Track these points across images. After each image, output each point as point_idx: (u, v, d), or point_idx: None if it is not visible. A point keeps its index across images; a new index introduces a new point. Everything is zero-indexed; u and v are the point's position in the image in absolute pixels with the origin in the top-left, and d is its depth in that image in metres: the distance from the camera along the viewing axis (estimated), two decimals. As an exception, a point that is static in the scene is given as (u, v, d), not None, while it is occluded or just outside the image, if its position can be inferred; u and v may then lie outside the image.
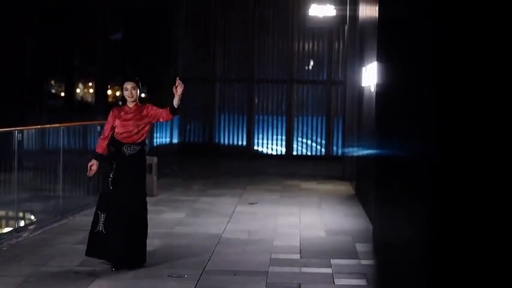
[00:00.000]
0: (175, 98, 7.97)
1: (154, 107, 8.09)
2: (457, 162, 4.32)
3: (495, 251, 3.77)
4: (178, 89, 7.90)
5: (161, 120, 8.14)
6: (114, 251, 7.80)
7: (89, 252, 7.97)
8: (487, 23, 3.98)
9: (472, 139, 4.11)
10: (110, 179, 7.87)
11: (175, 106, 7.99)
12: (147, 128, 8.06)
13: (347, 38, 16.77)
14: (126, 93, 7.99)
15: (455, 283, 4.35)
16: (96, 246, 7.90)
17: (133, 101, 8.02)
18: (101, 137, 8.12)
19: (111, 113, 8.11)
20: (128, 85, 7.97)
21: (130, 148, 7.94)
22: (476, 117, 4.06)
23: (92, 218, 8.03)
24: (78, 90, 30.39)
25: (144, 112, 8.02)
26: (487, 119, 3.95)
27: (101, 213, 7.90)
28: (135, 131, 7.96)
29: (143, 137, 8.04)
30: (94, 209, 8.08)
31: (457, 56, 4.40)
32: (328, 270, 8.06)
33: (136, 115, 7.99)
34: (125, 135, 7.94)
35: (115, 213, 7.81)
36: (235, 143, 22.65)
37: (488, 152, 3.93)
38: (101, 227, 7.87)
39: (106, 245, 7.83)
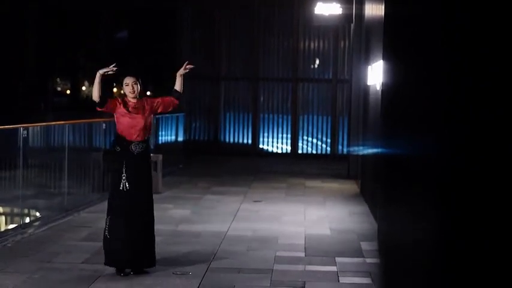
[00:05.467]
0: (178, 80, 7.98)
1: (155, 98, 7.95)
2: (466, 161, 4.30)
3: (507, 250, 3.75)
4: (182, 71, 7.95)
5: (172, 108, 8.01)
6: (138, 252, 7.61)
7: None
8: (498, 19, 3.96)
9: (483, 137, 4.08)
10: (124, 179, 7.57)
11: (178, 89, 7.99)
12: (151, 122, 7.92)
13: (353, 36, 16.75)
14: (127, 89, 7.71)
15: (464, 282, 4.33)
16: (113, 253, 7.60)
17: (134, 97, 7.74)
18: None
19: (117, 99, 7.74)
20: (129, 80, 7.71)
21: (139, 146, 7.67)
22: (487, 115, 4.04)
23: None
24: (83, 88, 30.43)
25: (146, 106, 7.79)
26: (497, 117, 3.93)
27: (112, 218, 7.61)
28: (143, 126, 7.71)
29: (149, 133, 7.90)
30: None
31: (465, 54, 4.38)
32: (333, 268, 8.05)
33: (141, 110, 7.75)
34: (132, 131, 7.65)
35: (130, 215, 7.57)
36: (240, 141, 22.62)
37: (499, 150, 3.91)
38: (107, 232, 7.59)
39: (124, 250, 7.55)
